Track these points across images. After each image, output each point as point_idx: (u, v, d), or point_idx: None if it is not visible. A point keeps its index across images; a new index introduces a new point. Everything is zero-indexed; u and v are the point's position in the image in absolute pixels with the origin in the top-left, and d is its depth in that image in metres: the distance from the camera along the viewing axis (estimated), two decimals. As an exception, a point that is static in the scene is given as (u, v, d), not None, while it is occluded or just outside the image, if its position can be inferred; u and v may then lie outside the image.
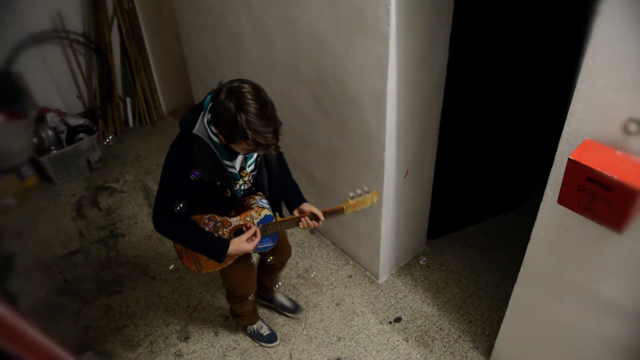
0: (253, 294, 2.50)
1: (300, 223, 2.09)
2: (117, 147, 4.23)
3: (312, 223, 2.09)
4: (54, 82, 3.92)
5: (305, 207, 2.15)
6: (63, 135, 3.78)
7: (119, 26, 4.03)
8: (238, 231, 2.11)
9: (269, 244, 2.18)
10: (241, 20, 2.84)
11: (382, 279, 3.01)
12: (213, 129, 1.80)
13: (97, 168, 4.00)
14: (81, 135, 3.85)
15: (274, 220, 2.10)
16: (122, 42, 4.09)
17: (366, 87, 2.28)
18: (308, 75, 2.58)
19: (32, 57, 3.63)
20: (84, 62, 4.05)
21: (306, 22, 2.40)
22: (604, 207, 1.53)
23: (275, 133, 1.74)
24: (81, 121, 3.88)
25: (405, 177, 2.62)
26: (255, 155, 2.01)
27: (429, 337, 2.71)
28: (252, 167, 2.04)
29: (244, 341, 2.72)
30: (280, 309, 2.85)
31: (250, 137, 1.68)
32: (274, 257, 2.40)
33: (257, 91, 1.72)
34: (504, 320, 2.35)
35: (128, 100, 4.34)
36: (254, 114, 1.67)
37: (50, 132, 3.71)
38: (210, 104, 1.80)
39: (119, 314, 2.92)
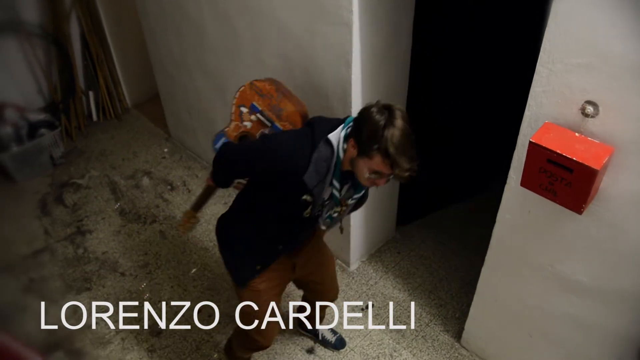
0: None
1: None
2: (81, 142, 4.13)
3: None
4: (11, 76, 3.79)
5: None
6: (23, 131, 3.66)
7: (78, 17, 3.92)
8: None
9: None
10: (204, 9, 2.79)
11: (353, 267, 3.03)
12: (345, 145, 1.66)
13: (60, 164, 3.90)
14: (43, 130, 3.75)
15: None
16: (82, 34, 3.98)
17: (331, 75, 2.28)
18: (273, 65, 2.56)
19: (-13, 51, 3.51)
20: (42, 54, 3.93)
21: (269, 11, 2.38)
22: (565, 188, 1.57)
23: (414, 160, 1.57)
24: (42, 116, 3.77)
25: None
26: (363, 191, 1.85)
27: (400, 322, 2.75)
28: (355, 200, 1.87)
29: (217, 334, 2.71)
30: (322, 344, 2.68)
31: (391, 153, 1.52)
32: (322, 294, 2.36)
33: (408, 116, 1.59)
34: (473, 302, 2.40)
35: (91, 93, 4.23)
36: (401, 131, 1.53)
37: (9, 129, 3.59)
38: (354, 118, 1.67)
39: (88, 311, 2.86)
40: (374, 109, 1.57)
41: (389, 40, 2.27)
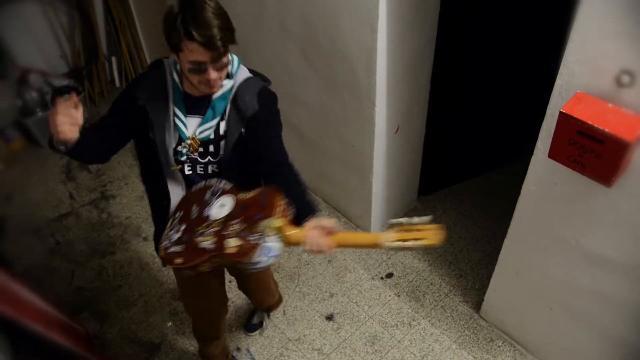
0: (220, 346, 2.31)
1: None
2: (104, 107, 4.15)
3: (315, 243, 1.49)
4: (35, 42, 3.80)
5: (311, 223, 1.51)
6: (48, 97, 3.69)
7: (100, -19, 3.90)
8: None
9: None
10: (226, -27, 2.74)
11: (374, 236, 3.03)
12: (178, 66, 1.59)
13: (84, 129, 3.93)
14: (66, 96, 3.76)
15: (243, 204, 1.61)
16: (105, -1, 3.96)
17: (356, 41, 2.23)
18: (297, 31, 2.52)
19: (11, 17, 3.51)
20: (65, 20, 3.92)
21: (293, -26, 2.32)
22: (594, 160, 1.53)
23: (223, 31, 1.45)
24: (66, 82, 3.79)
25: (396, 133, 2.60)
26: (214, 121, 1.63)
27: (420, 292, 2.75)
28: (205, 133, 1.64)
29: (237, 299, 2.75)
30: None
31: (190, 30, 1.41)
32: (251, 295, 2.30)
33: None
34: (494, 274, 2.38)
35: (113, 59, 4.24)
36: (194, 6, 1.44)
37: (34, 94, 3.62)
38: None
39: (113, 274, 2.93)
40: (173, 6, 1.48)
41: (417, 6, 2.21)
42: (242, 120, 1.62)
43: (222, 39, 1.45)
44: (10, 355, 1.67)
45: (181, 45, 1.46)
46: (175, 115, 1.63)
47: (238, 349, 2.57)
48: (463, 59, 2.66)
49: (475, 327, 2.59)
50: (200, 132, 1.64)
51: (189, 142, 1.65)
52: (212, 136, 1.64)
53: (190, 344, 2.59)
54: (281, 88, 2.84)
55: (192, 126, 1.64)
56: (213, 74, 1.51)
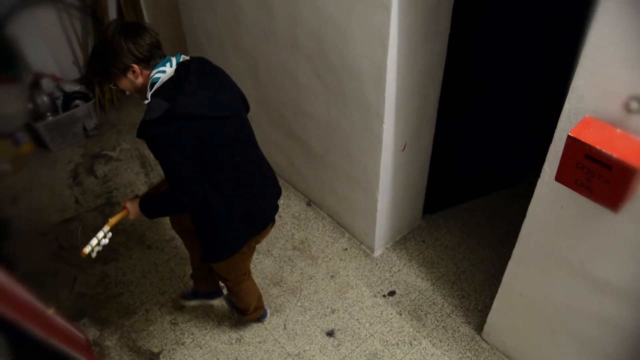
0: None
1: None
2: (113, 114, 4.19)
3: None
4: (48, 47, 3.85)
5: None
6: (59, 102, 3.73)
7: (116, -10, 3.95)
8: None
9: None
10: (240, -14, 2.78)
11: (377, 253, 3.02)
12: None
13: (93, 135, 3.96)
14: (77, 102, 3.81)
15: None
16: (119, 7, 4.01)
17: (366, 58, 2.24)
18: (307, 45, 2.54)
19: (26, 21, 3.56)
20: (79, 26, 3.97)
21: (306, -10, 2.35)
22: (602, 185, 1.52)
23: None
24: (77, 87, 3.83)
25: (403, 150, 2.60)
26: None
27: (422, 311, 2.73)
28: None
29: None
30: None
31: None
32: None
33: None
34: (497, 295, 2.37)
35: (125, 67, 4.27)
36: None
37: (45, 98, 3.67)
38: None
39: (115, 281, 2.93)
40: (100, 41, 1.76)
41: (428, 24, 2.22)
42: None
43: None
44: (10, 357, 1.66)
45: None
46: None
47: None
48: (472, 79, 2.67)
49: (477, 349, 2.56)
50: None
51: None
52: None
53: (190, 355, 2.58)
54: (290, 101, 2.87)
55: None
56: None
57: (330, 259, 3.01)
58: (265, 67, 2.94)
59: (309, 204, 3.33)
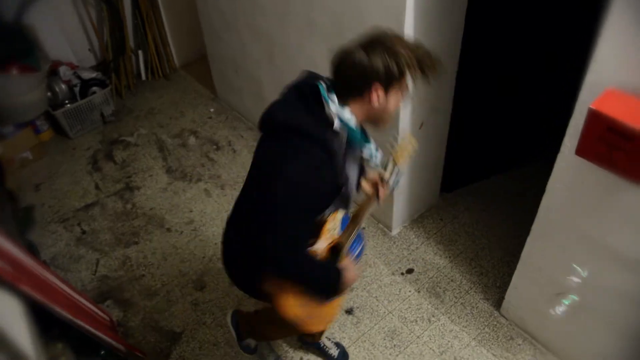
0: None
1: (379, 193, 1.73)
2: (130, 100, 4.22)
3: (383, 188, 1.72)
4: (65, 34, 3.88)
5: (370, 173, 1.76)
6: (76, 89, 3.77)
7: (129, -24, 3.96)
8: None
9: (359, 246, 1.82)
10: (253, -33, 2.77)
11: (395, 231, 3.03)
12: (346, 111, 1.50)
13: (110, 121, 4.01)
14: (94, 88, 3.84)
15: (349, 214, 1.76)
16: (133, -7, 4.02)
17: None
18: (323, 26, 2.52)
19: (42, 10, 3.58)
20: (94, 13, 4.00)
21: (320, -32, 2.33)
22: (624, 158, 1.51)
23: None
24: (94, 74, 3.86)
25: (420, 129, 2.59)
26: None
27: (440, 289, 2.75)
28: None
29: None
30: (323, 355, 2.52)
31: (414, 64, 1.40)
32: None
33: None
34: (516, 271, 2.37)
35: (140, 53, 4.30)
36: (402, 43, 1.42)
37: (63, 86, 3.70)
38: (329, 79, 1.55)
39: (136, 264, 2.99)
40: (357, 54, 1.46)
41: (445, 1, 2.20)
42: None
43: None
44: (41, 338, 1.72)
45: (400, 85, 1.47)
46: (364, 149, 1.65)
47: (258, 340, 2.60)
48: (490, 54, 2.64)
49: (495, 325, 2.57)
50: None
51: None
52: None
53: (211, 334, 2.63)
54: (306, 82, 2.86)
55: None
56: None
57: (348, 239, 3.02)
58: (281, 51, 2.93)
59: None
